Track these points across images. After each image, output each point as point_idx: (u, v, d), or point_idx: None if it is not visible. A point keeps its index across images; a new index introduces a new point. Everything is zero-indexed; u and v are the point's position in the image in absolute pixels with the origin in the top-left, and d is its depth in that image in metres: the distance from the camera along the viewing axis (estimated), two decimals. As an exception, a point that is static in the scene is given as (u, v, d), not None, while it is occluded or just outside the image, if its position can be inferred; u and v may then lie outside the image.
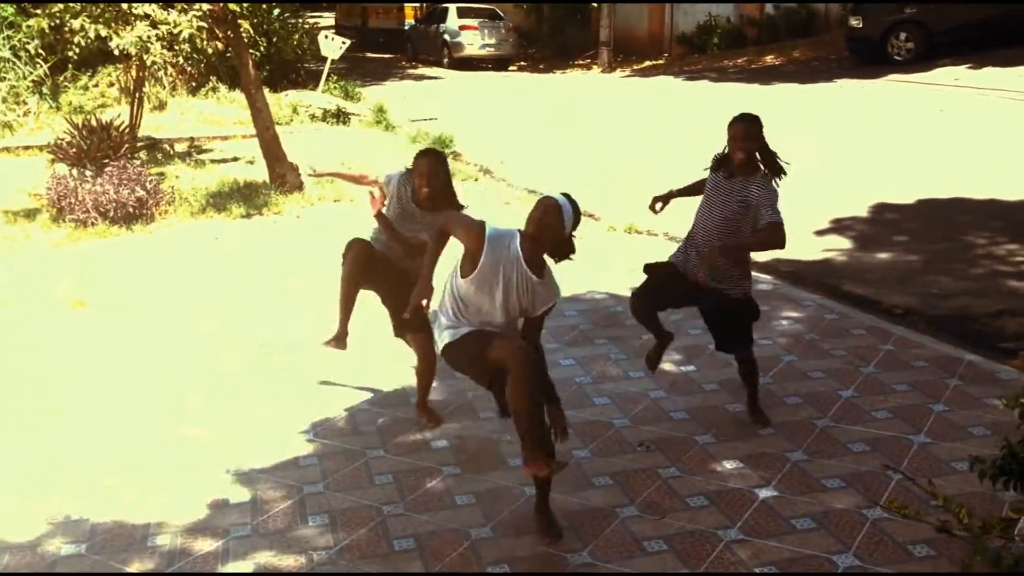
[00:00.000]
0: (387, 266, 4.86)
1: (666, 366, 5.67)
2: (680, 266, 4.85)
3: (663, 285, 4.87)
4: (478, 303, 3.91)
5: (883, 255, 7.79)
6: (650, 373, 5.25)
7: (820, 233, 8.41)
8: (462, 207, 4.70)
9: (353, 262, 4.73)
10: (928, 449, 4.58)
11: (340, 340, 4.89)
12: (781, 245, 4.60)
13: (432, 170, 4.61)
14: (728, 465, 4.51)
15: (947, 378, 5.37)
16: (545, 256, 3.95)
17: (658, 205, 5.08)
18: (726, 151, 4.72)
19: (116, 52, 10.05)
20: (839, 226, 8.58)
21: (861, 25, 18.16)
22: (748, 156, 4.61)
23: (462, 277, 3.91)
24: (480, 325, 3.93)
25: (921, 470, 4.34)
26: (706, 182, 4.83)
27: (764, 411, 4.98)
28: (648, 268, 4.98)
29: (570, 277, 7.26)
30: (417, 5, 32.40)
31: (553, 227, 3.82)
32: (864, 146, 11.93)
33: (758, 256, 7.36)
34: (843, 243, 8.12)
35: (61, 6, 9.85)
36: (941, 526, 2.90)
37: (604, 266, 7.52)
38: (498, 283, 3.86)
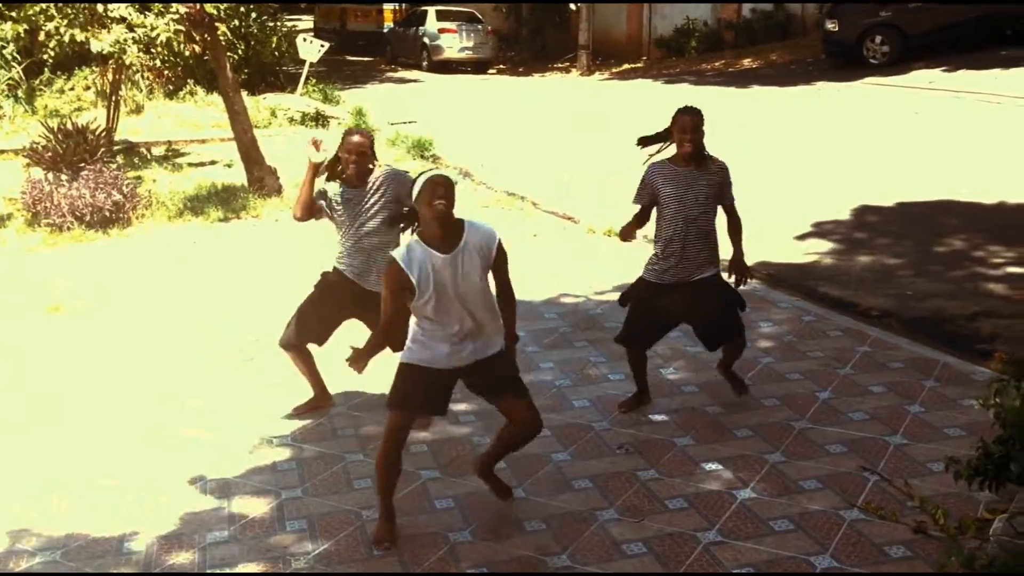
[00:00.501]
0: (350, 300, 4.97)
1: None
2: (660, 282, 4.92)
3: (653, 321, 5.02)
4: (441, 318, 3.81)
5: (860, 257, 7.84)
6: (620, 412, 5.20)
7: (798, 236, 8.45)
8: (378, 166, 4.88)
9: (298, 346, 5.08)
10: (904, 450, 4.61)
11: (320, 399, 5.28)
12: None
13: (365, 148, 4.79)
14: (707, 467, 4.52)
15: (923, 379, 5.41)
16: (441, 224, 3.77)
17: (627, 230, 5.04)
18: (665, 138, 4.87)
19: (94, 54, 9.98)
20: (817, 229, 8.63)
21: (837, 28, 18.28)
22: (695, 147, 4.76)
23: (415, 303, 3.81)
24: (450, 339, 3.85)
25: (897, 471, 4.37)
26: (654, 187, 4.84)
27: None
28: (629, 302, 5.08)
29: (550, 280, 7.30)
30: (396, 8, 32.37)
31: (454, 200, 3.75)
32: (841, 149, 12.01)
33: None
34: (821, 246, 8.17)
35: (36, 8, 9.77)
36: (917, 527, 2.92)
37: (583, 269, 7.53)
38: (445, 290, 3.76)
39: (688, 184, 4.80)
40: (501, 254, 3.89)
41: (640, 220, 4.93)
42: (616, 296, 5.40)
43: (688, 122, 4.73)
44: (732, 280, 5.07)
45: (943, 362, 5.64)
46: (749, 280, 5.13)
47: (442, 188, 3.70)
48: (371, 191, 4.84)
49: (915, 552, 3.74)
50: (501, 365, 4.02)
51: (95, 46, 9.65)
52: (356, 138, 4.83)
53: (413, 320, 3.93)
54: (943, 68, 16.71)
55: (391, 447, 3.89)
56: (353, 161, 4.78)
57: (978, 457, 2.86)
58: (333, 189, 4.89)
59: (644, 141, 4.95)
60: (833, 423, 4.92)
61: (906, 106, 14.38)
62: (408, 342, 3.94)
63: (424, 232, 3.80)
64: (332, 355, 5.62)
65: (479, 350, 3.92)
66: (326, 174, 4.91)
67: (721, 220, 4.96)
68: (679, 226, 4.81)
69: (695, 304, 4.92)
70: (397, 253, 3.78)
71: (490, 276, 3.92)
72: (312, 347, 5.10)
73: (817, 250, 8.05)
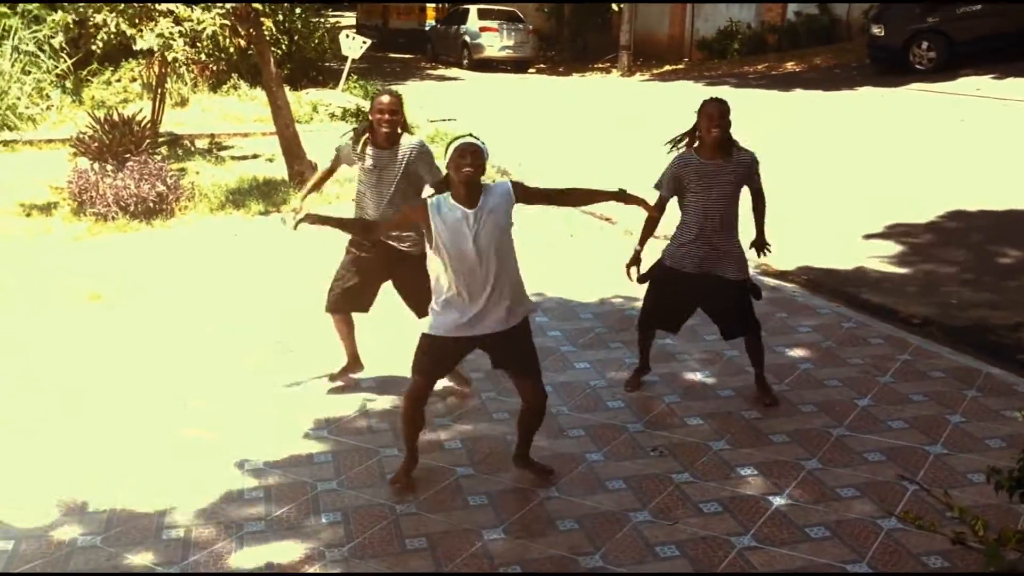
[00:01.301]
0: (384, 263, 5.07)
1: (681, 372, 5.67)
2: (674, 276, 5.04)
3: (672, 305, 5.17)
4: (457, 277, 4.00)
5: (902, 264, 7.75)
6: (627, 391, 5.37)
7: (839, 241, 8.37)
8: (412, 132, 5.12)
9: (341, 311, 5.26)
10: (944, 460, 4.55)
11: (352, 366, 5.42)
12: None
13: (395, 107, 4.93)
14: (742, 472, 4.49)
15: (964, 389, 5.33)
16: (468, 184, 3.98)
17: (633, 270, 5.16)
18: (693, 132, 4.93)
19: (139, 48, 10.12)
20: (858, 235, 8.54)
21: (883, 33, 18.05)
22: (723, 133, 4.80)
23: (435, 255, 4.03)
24: (470, 297, 4.02)
25: (937, 481, 4.32)
26: (679, 180, 4.91)
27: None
28: (650, 281, 5.20)
29: (587, 281, 7.29)
30: (438, 6, 32.47)
31: (482, 166, 3.98)
32: (885, 155, 11.87)
33: (778, 264, 7.34)
34: (862, 251, 8.08)
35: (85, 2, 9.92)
36: (956, 538, 2.88)
37: (620, 270, 7.49)
38: (464, 242, 3.95)
39: (713, 178, 4.86)
40: (520, 188, 4.12)
41: (660, 208, 4.95)
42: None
43: (715, 110, 4.78)
44: (753, 252, 5.14)
45: (985, 372, 5.56)
46: (768, 251, 5.21)
47: (470, 155, 3.92)
48: (401, 158, 4.96)
49: (953, 563, 3.69)
50: (518, 338, 4.18)
51: (140, 44, 9.78)
52: (386, 98, 4.94)
53: (433, 288, 4.12)
54: (991, 75, 16.46)
55: (409, 407, 4.26)
56: (385, 121, 4.88)
57: (1020, 468, 2.81)
58: (367, 152, 4.99)
59: (673, 142, 5.03)
60: (872, 431, 4.87)
61: (952, 113, 14.18)
62: (430, 312, 4.15)
63: (452, 193, 4.01)
64: (380, 348, 5.67)
65: (499, 322, 4.10)
66: (363, 136, 4.99)
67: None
68: (701, 218, 4.90)
69: (715, 296, 5.04)
70: (429, 202, 4.03)
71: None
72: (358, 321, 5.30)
73: (859, 256, 7.96)
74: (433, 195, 4.11)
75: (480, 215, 3.97)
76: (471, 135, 4.06)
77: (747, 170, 4.91)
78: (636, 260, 5.12)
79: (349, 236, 5.14)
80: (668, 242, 5.15)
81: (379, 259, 5.12)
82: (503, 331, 4.13)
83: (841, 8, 22.67)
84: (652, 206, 4.61)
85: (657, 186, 5.03)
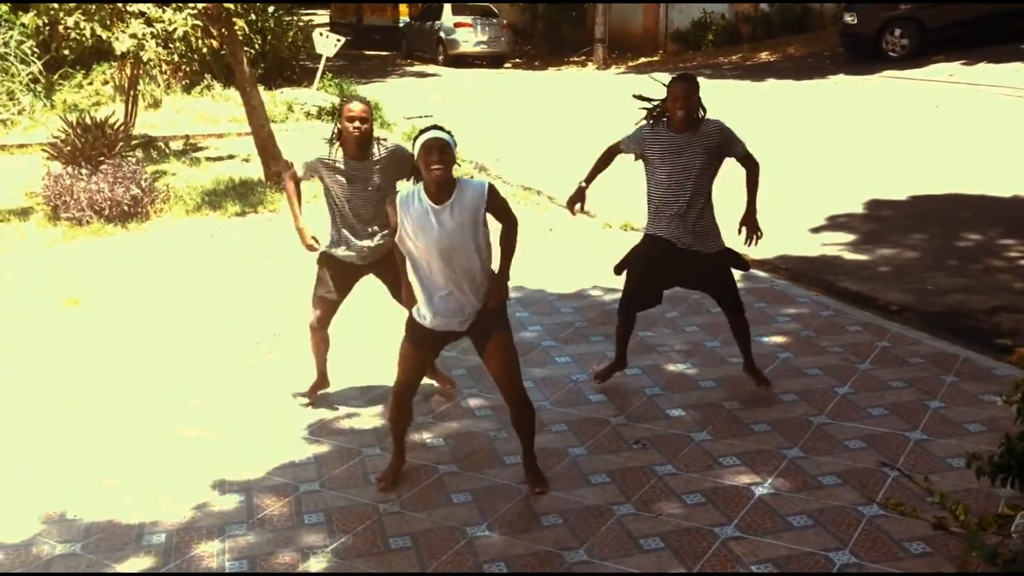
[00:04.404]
0: (355, 269, 5.02)
1: (662, 363, 5.68)
2: (655, 248, 5.00)
3: (653, 282, 5.12)
4: (425, 269, 4.05)
5: (879, 252, 7.80)
6: (596, 383, 5.37)
7: (816, 230, 8.42)
8: (382, 140, 4.92)
9: (320, 326, 5.10)
10: (924, 446, 4.58)
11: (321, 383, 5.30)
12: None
13: (365, 114, 4.74)
14: (724, 462, 4.50)
15: (943, 375, 5.37)
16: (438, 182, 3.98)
17: (576, 206, 5.24)
18: (662, 109, 4.95)
19: (112, 49, 10.03)
20: (835, 223, 8.59)
21: (856, 21, 18.15)
22: (688, 114, 4.83)
23: (401, 245, 4.09)
24: (436, 289, 4.07)
25: (917, 467, 4.34)
26: (642, 144, 4.96)
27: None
28: (625, 270, 5.19)
29: (566, 274, 7.29)
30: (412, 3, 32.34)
31: (451, 161, 3.98)
32: (860, 142, 11.94)
33: (755, 253, 7.37)
34: (839, 240, 8.12)
35: (56, 4, 9.82)
36: (937, 523, 2.91)
37: (600, 263, 7.49)
38: (430, 237, 3.96)
39: (680, 149, 4.87)
40: (494, 195, 4.07)
41: (588, 179, 5.09)
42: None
43: (680, 90, 4.82)
44: (743, 236, 5.11)
45: (963, 357, 5.60)
46: (758, 238, 5.13)
47: (436, 152, 3.91)
48: (376, 169, 4.81)
49: (935, 548, 3.71)
50: (487, 319, 4.18)
51: (116, 46, 9.70)
52: (356, 105, 4.73)
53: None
54: (962, 61, 16.58)
55: (397, 402, 4.32)
56: (355, 128, 4.69)
57: (1001, 453, 2.84)
58: (339, 161, 4.83)
59: (640, 97, 5.08)
60: (852, 419, 4.89)
61: (925, 99, 14.29)
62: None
63: (424, 186, 4.03)
64: (361, 350, 5.64)
65: (471, 315, 4.13)
66: (335, 144, 4.84)
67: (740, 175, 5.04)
68: (671, 190, 4.90)
69: (699, 274, 5.06)
70: (398, 195, 4.08)
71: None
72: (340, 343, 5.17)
73: (835, 244, 8.00)
74: (409, 186, 4.16)
75: (448, 210, 3.98)
76: (437, 127, 4.04)
77: (717, 138, 4.88)
78: (580, 196, 5.18)
79: (320, 252, 5.07)
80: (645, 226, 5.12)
81: (349, 270, 5.04)
82: (478, 319, 4.15)
83: (814, -3, 22.78)
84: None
85: (618, 142, 5.10)
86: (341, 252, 4.97)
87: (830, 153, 11.43)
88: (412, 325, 4.24)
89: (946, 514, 2.83)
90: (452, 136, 4.02)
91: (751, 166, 5.05)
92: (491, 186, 4.08)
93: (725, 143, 4.92)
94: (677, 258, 4.99)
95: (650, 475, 4.41)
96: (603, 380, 5.37)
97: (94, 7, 9.82)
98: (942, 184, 9.54)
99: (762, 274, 7.24)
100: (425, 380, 4.97)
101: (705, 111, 4.92)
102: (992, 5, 16.85)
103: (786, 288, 6.96)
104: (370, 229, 4.91)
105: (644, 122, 5.03)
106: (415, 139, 4.03)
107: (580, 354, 5.85)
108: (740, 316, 5.15)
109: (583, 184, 5.16)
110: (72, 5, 9.82)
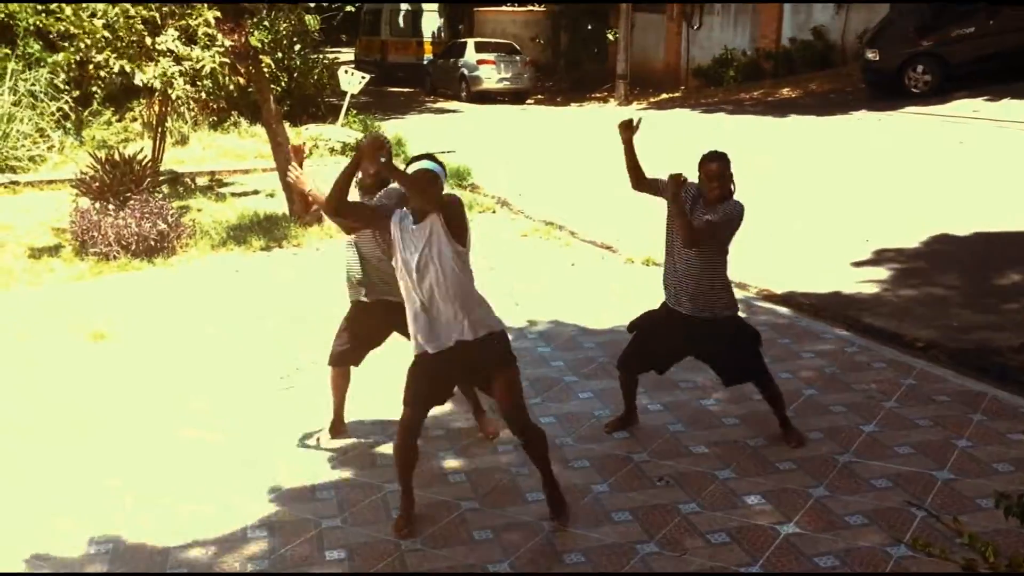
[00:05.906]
0: (385, 318, 4.94)
1: (686, 400, 5.65)
2: (667, 317, 4.98)
3: (652, 351, 5.09)
4: (411, 280, 4.09)
5: (904, 288, 7.74)
6: (605, 431, 5.27)
7: (840, 266, 8.37)
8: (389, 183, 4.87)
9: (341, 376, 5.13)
10: (952, 485, 4.52)
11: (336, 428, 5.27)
12: (687, 234, 4.73)
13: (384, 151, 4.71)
14: (749, 501, 4.46)
15: (970, 413, 5.31)
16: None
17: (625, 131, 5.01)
18: (698, 186, 4.87)
19: (140, 86, 10.18)
20: (860, 259, 8.54)
21: (878, 58, 18.16)
22: (722, 192, 4.78)
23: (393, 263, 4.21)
24: (422, 307, 4.10)
25: (946, 507, 4.28)
26: (687, 200, 4.87)
27: (796, 429, 5.09)
28: (635, 329, 5.15)
29: (589, 309, 7.28)
30: (435, 40, 32.68)
31: (438, 191, 4.12)
32: (884, 178, 11.89)
33: (778, 288, 7.31)
34: (863, 276, 8.08)
35: (87, 39, 9.97)
36: (967, 565, 2.85)
37: (622, 298, 7.50)
38: (406, 251, 4.08)
39: (689, 211, 4.80)
40: (448, 208, 4.07)
41: (644, 176, 4.97)
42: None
43: (715, 170, 4.76)
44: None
45: (991, 395, 5.54)
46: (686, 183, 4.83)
47: (424, 184, 4.07)
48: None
49: (964, 590, 3.65)
50: (485, 349, 4.16)
51: (140, 78, 9.86)
52: (373, 140, 4.70)
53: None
54: (986, 98, 16.52)
55: (401, 438, 4.23)
56: (372, 171, 4.77)
57: (1030, 494, 2.78)
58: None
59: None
60: (878, 457, 4.84)
61: (949, 135, 14.23)
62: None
63: (427, 211, 4.11)
64: (380, 387, 5.65)
65: (459, 332, 4.10)
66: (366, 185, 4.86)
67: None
68: (672, 253, 4.88)
69: (702, 344, 4.95)
70: (399, 211, 4.21)
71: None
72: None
73: (860, 280, 7.95)
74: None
75: (425, 230, 4.06)
76: (428, 157, 4.20)
77: (722, 215, 4.75)
78: (631, 126, 4.97)
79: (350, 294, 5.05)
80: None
81: (380, 316, 4.96)
82: (471, 341, 4.10)
83: (836, 34, 22.81)
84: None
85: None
86: (373, 291, 4.97)
87: (854, 189, 11.39)
88: (413, 362, 4.27)
89: (975, 555, 2.78)
90: (443, 166, 4.22)
91: (699, 226, 4.77)
92: (449, 198, 4.13)
93: (723, 223, 4.76)
94: (685, 330, 4.91)
95: (674, 513, 4.37)
96: (612, 431, 5.27)
97: (122, 44, 9.99)
98: (968, 221, 9.48)
99: (786, 310, 7.21)
100: (454, 422, 4.97)
101: (735, 187, 4.85)
102: (1014, 41, 16.81)
103: (810, 324, 6.92)
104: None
105: (692, 186, 4.88)
106: (408, 165, 4.21)
107: (602, 389, 5.83)
108: (766, 383, 5.00)
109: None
110: (102, 43, 9.99)
